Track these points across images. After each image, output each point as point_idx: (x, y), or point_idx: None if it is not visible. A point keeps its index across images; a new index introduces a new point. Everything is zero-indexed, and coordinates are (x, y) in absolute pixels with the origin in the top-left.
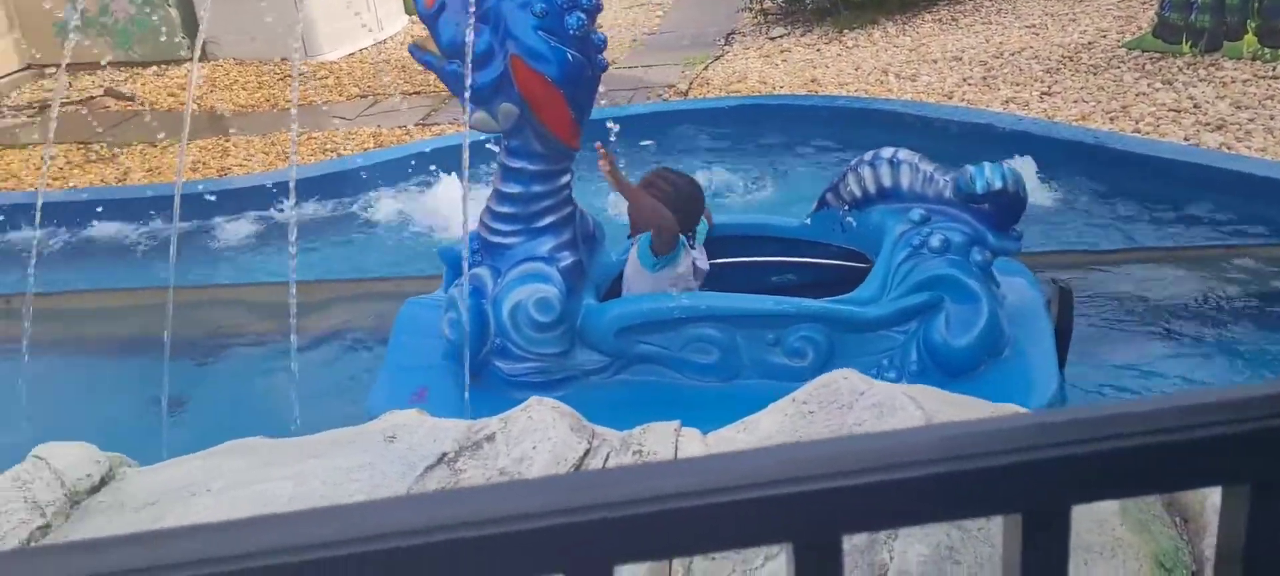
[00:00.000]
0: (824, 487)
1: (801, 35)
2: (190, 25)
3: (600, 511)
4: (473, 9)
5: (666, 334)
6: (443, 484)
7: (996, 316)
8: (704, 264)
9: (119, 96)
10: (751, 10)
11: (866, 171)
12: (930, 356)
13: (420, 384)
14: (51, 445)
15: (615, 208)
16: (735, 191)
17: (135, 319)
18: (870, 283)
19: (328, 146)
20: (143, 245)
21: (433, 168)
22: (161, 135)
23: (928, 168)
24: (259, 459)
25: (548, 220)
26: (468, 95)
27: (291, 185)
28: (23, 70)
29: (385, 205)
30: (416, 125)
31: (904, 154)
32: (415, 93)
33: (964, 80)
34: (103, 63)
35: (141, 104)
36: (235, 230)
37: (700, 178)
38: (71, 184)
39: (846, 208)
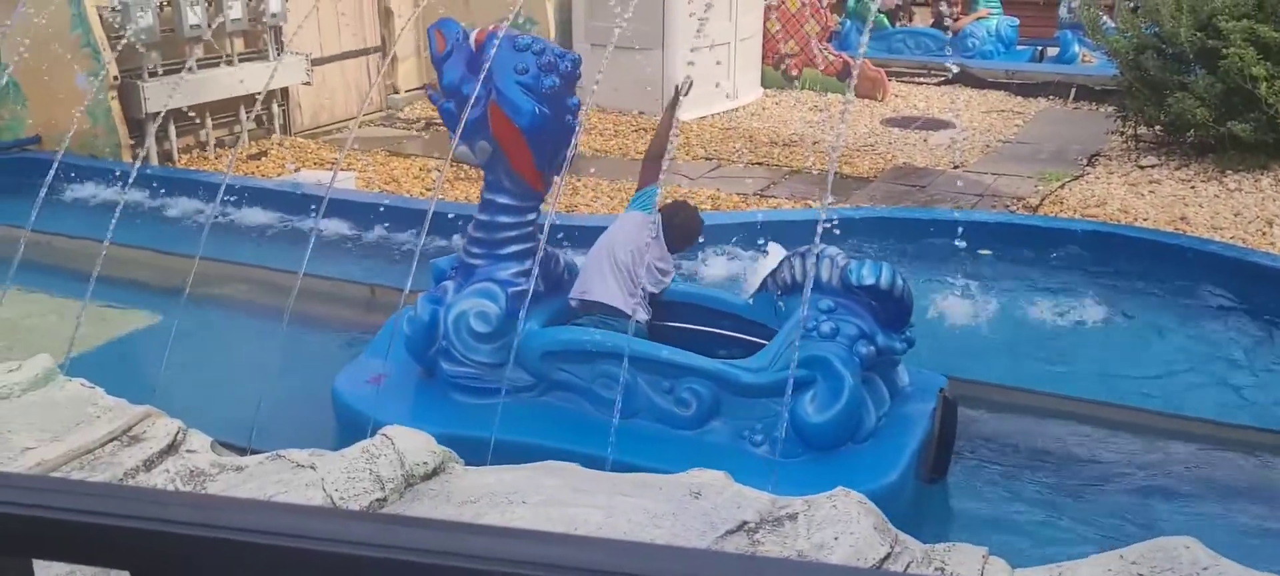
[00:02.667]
0: None
1: (1176, 168)
2: None
3: None
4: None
5: (582, 365)
6: (739, 550)
7: (857, 403)
8: (669, 277)
9: None
10: (1121, 134)
11: (797, 263)
12: (794, 427)
13: (378, 371)
14: (398, 428)
15: None
16: (1073, 319)
17: None
18: (763, 355)
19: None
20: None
21: (763, 238)
22: None
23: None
24: (570, 482)
25: (510, 249)
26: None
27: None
28: (419, 88)
29: (716, 266)
30: (755, 194)
31: (832, 251)
32: (758, 163)
33: None
34: None
35: None
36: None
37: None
38: (442, 197)
39: (780, 293)
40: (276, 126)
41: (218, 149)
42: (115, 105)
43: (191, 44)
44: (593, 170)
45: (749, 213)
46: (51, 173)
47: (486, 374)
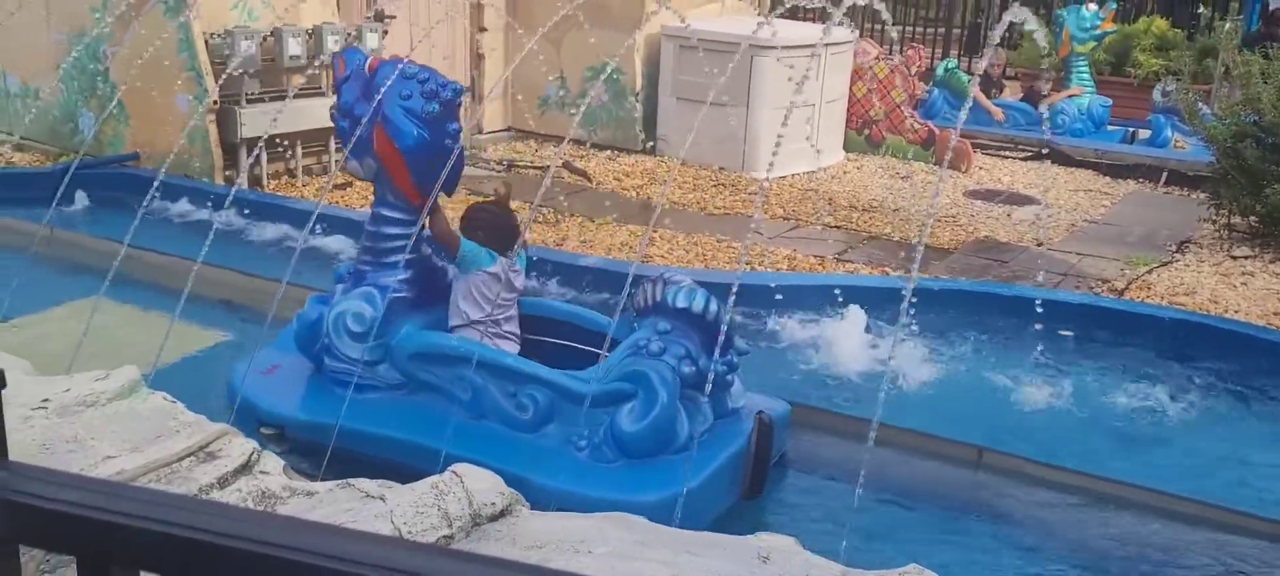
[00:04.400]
0: None
1: (1270, 261)
2: (650, 121)
3: None
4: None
5: (441, 368)
6: None
7: (668, 416)
8: (520, 281)
9: (574, 171)
10: (1214, 222)
11: (648, 287)
12: (612, 434)
13: (276, 363)
14: (468, 467)
15: None
16: (1154, 408)
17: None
18: (598, 368)
19: (744, 258)
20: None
21: (840, 301)
22: (611, 212)
23: (718, 309)
24: (637, 536)
25: (393, 258)
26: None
27: (732, 292)
28: (504, 131)
29: (789, 328)
30: (833, 257)
31: (678, 279)
32: (837, 226)
33: None
34: (567, 139)
35: (591, 181)
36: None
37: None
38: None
39: (635, 314)
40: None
41: (305, 177)
42: (212, 129)
43: (290, 74)
44: (668, 221)
45: (825, 276)
46: (151, 191)
47: (362, 370)
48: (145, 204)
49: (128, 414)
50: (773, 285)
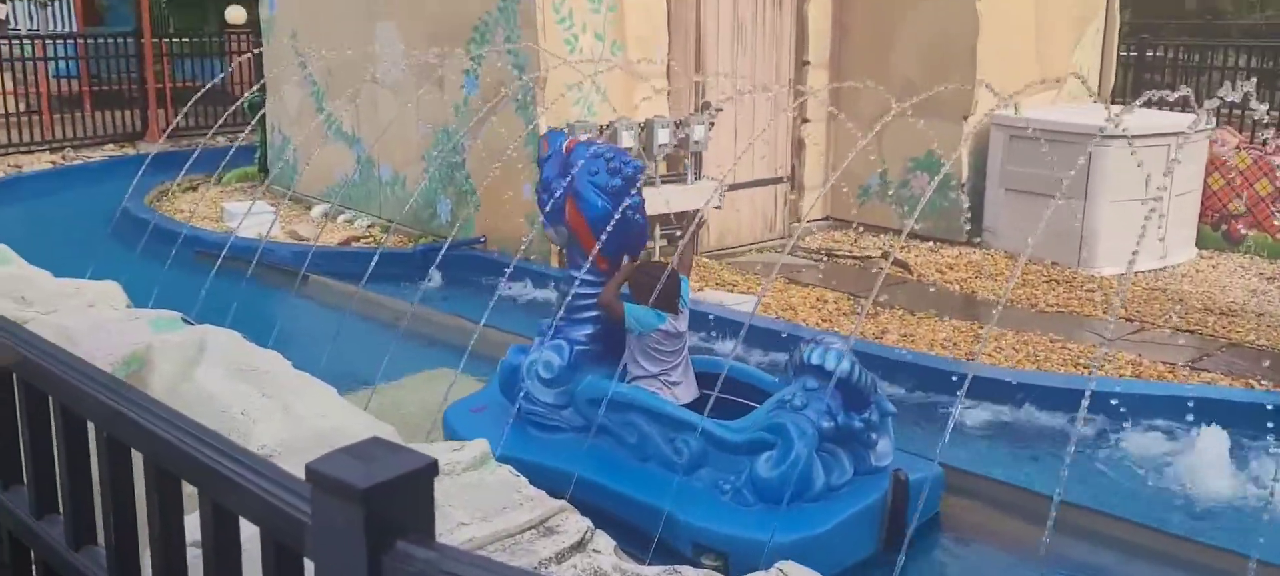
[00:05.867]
0: None
1: None
2: (976, 212)
3: None
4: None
5: (613, 414)
6: None
7: (802, 465)
8: (683, 325)
9: (894, 262)
10: None
11: (799, 350)
12: (751, 480)
13: (484, 404)
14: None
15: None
16: None
17: None
18: (746, 419)
19: (1079, 360)
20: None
21: (1192, 417)
22: (932, 305)
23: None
24: None
25: (585, 315)
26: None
27: (1084, 398)
28: (823, 219)
29: (1135, 441)
30: (1185, 366)
31: (833, 342)
32: (1188, 330)
33: None
34: (891, 230)
35: (912, 273)
36: (976, 415)
37: None
38: (835, 328)
39: (792, 374)
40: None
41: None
42: None
43: None
44: (994, 316)
45: (1177, 385)
46: (505, 274)
47: (551, 413)
48: (498, 285)
49: (478, 484)
50: (1117, 392)
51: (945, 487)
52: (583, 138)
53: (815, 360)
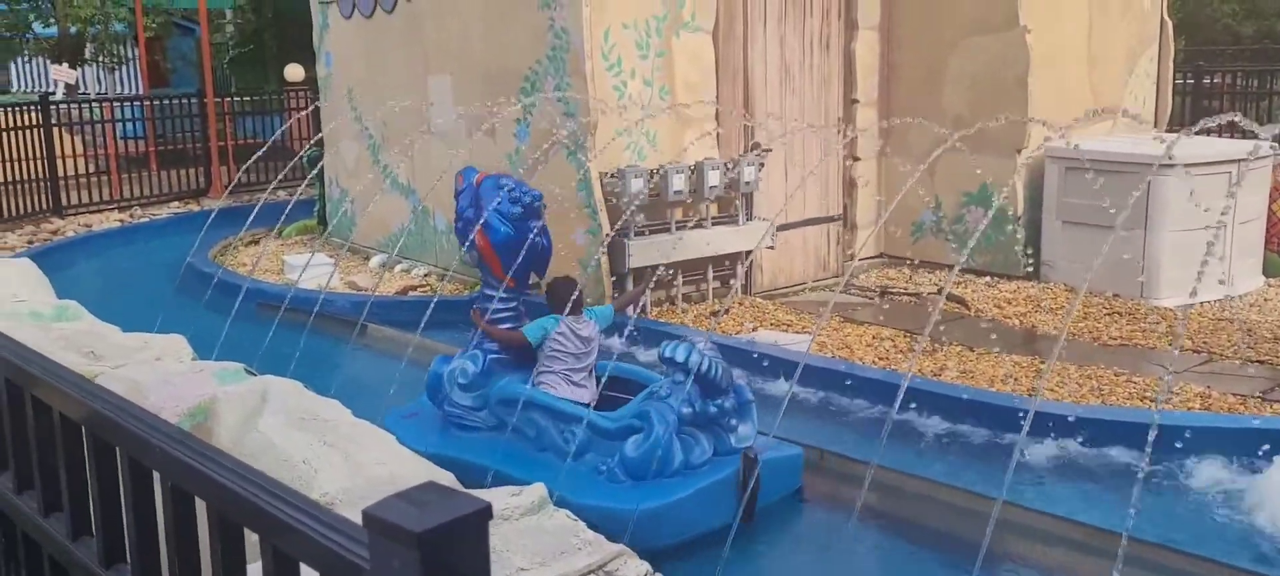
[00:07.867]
0: None
1: None
2: (1032, 245)
3: None
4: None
5: (513, 411)
6: None
7: (660, 446)
8: (587, 330)
9: (951, 298)
10: None
11: (671, 348)
12: (620, 459)
13: (416, 410)
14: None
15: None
16: None
17: (943, 514)
18: (622, 410)
19: (1145, 393)
20: (946, 441)
21: (1265, 448)
22: (991, 341)
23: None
24: None
25: (498, 326)
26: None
27: (1152, 433)
28: (877, 257)
29: (1204, 474)
30: (1255, 397)
31: (701, 344)
32: (1259, 361)
33: None
34: (946, 266)
35: (969, 308)
36: (1041, 451)
37: None
38: (891, 366)
39: (668, 371)
40: (738, 286)
41: (685, 304)
42: (604, 260)
43: (672, 207)
44: (1055, 351)
45: (1247, 418)
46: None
47: (467, 414)
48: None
49: (536, 529)
50: (1188, 426)
51: (805, 466)
52: (491, 174)
53: (670, 354)
